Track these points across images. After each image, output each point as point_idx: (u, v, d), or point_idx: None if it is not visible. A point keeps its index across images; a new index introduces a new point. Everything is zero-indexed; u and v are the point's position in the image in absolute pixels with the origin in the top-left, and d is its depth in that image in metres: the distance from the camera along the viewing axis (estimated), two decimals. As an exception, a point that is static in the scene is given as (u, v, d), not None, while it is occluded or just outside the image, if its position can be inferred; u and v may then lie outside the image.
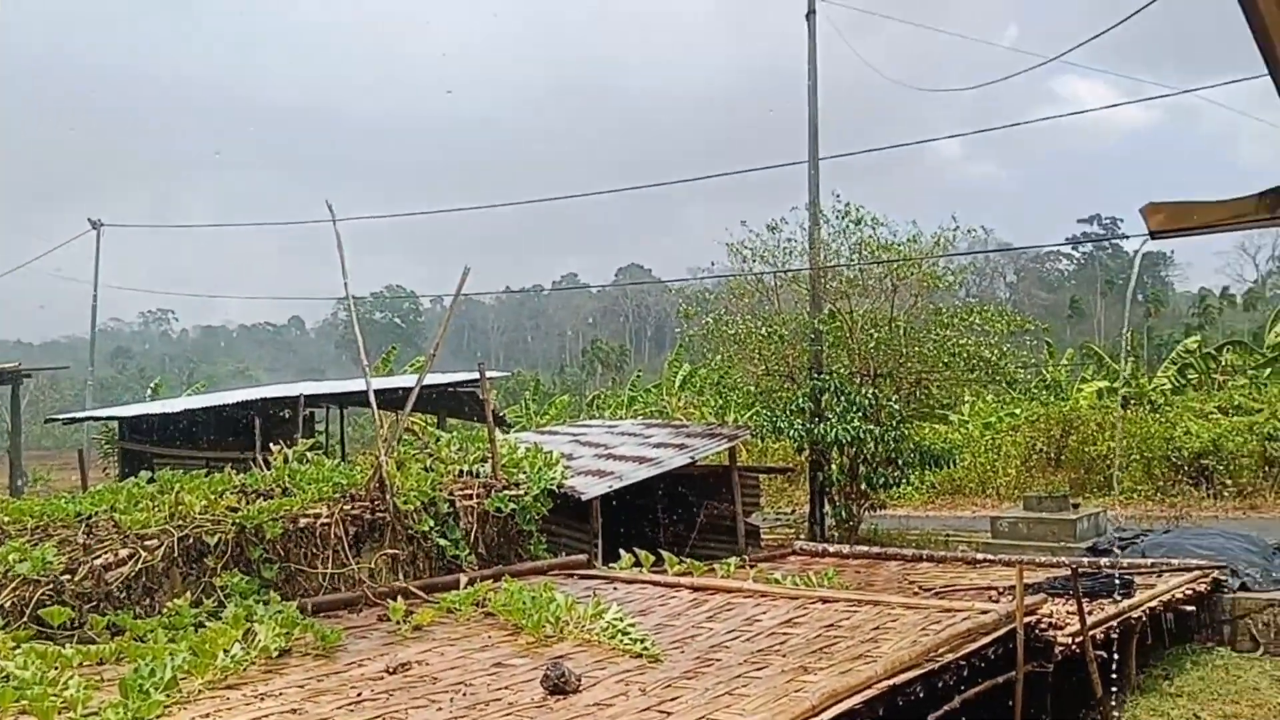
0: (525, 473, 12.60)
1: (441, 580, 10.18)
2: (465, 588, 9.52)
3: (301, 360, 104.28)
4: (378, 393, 12.84)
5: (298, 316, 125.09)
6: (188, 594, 8.47)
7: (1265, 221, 6.39)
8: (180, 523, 8.94)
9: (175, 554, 8.73)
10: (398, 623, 8.44)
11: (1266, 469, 25.46)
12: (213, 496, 9.44)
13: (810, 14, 21.22)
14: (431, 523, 10.83)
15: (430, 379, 16.04)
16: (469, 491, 11.58)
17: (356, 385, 21.60)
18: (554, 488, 12.64)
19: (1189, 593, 11.93)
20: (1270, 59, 4.78)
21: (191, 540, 8.87)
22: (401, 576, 10.38)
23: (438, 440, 14.58)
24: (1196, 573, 12.65)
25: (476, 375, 17.24)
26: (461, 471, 12.19)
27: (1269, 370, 32.04)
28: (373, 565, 10.20)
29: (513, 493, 11.97)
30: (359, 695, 6.49)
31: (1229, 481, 25.25)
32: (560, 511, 13.45)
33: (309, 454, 11.76)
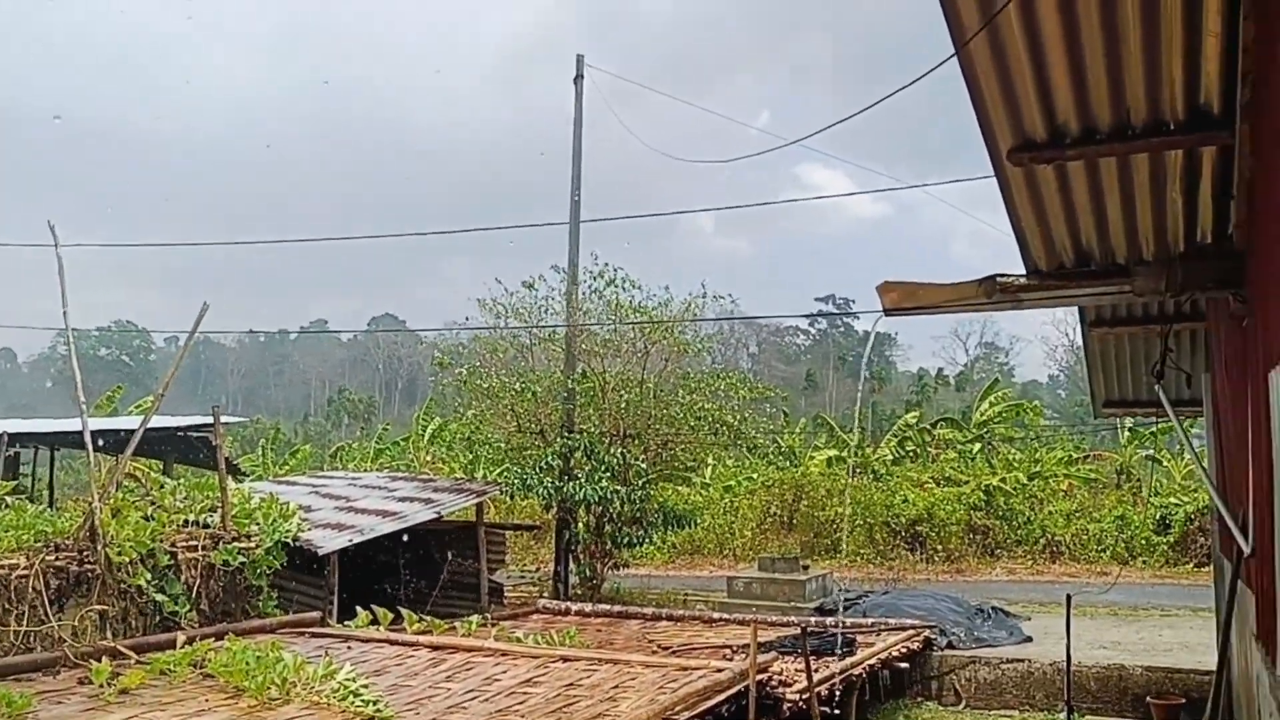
0: (258, 524, 11.92)
1: (156, 639, 9.39)
2: (182, 647, 8.82)
3: (10, 396, 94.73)
4: (99, 434, 11.84)
5: (9, 348, 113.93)
6: None
7: (982, 305, 7.01)
8: None
9: None
10: (101, 686, 7.69)
11: (971, 535, 27.73)
12: (-114, 543, 8.35)
13: (578, 79, 21.69)
14: (149, 576, 10.02)
15: (157, 421, 14.93)
16: (194, 543, 10.82)
17: (72, 425, 19.81)
18: (289, 540, 12.02)
19: (904, 650, 12.70)
20: (996, 160, 5.28)
21: None
22: (110, 635, 9.50)
23: (162, 487, 13.55)
24: (910, 631, 13.50)
25: (209, 419, 16.22)
26: (187, 521, 11.38)
27: (976, 446, 34.99)
28: (76, 623, 9.29)
29: (243, 545, 11.28)
30: (50, 767, 5.84)
31: (939, 546, 27.28)
32: (295, 566, 12.80)
33: (8, 499, 10.64)
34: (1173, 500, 26.86)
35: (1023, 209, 5.88)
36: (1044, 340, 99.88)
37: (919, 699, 13.37)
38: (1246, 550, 5.83)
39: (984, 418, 36.33)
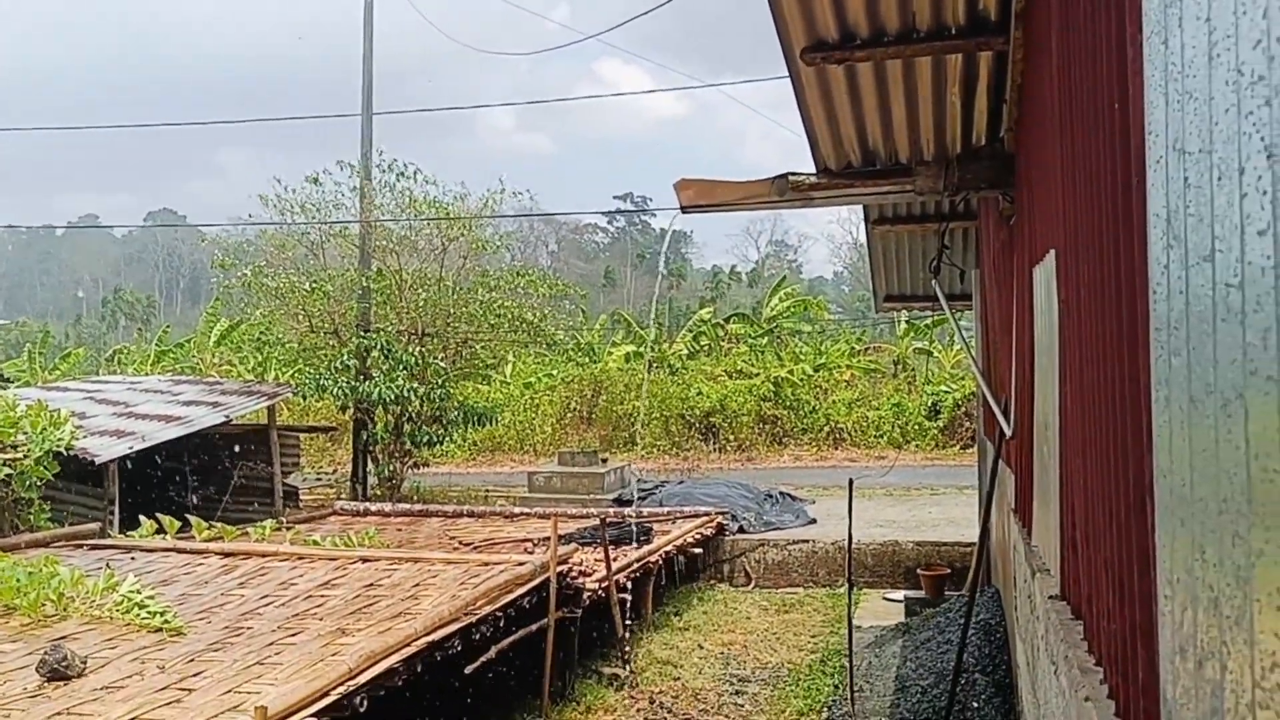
0: (25, 433, 11.12)
1: (-90, 559, 8.69)
2: (-58, 566, 8.20)
3: None
4: None
5: None
6: None
7: (774, 204, 7.19)
8: None
9: None
10: None
11: (761, 425, 29.00)
12: None
13: (367, -40, 20.55)
14: (-103, 493, 9.22)
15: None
16: (-51, 455, 10.00)
17: None
18: (61, 449, 11.28)
19: (698, 537, 13.25)
20: (789, 59, 5.35)
21: None
22: None
23: (-92, 396, 12.40)
24: (704, 519, 14.09)
25: (-38, 322, 14.90)
26: (-60, 433, 10.49)
27: (765, 339, 36.35)
28: None
29: (8, 456, 10.51)
30: None
31: (732, 437, 28.43)
32: (70, 476, 12.07)
33: None
34: (942, 388, 28.85)
35: (814, 108, 6.02)
36: (830, 238, 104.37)
37: (712, 582, 14.03)
38: (1008, 433, 6.32)
39: (773, 313, 37.71)
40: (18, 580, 7.48)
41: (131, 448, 12.98)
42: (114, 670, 5.91)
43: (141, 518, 10.93)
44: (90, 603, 7.27)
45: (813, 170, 7.01)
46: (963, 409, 27.11)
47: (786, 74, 5.64)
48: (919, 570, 12.30)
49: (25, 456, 10.82)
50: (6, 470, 10.45)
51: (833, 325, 43.23)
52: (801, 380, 30.39)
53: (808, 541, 14.08)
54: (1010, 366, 6.35)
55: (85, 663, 5.87)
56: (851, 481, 8.14)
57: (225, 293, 26.90)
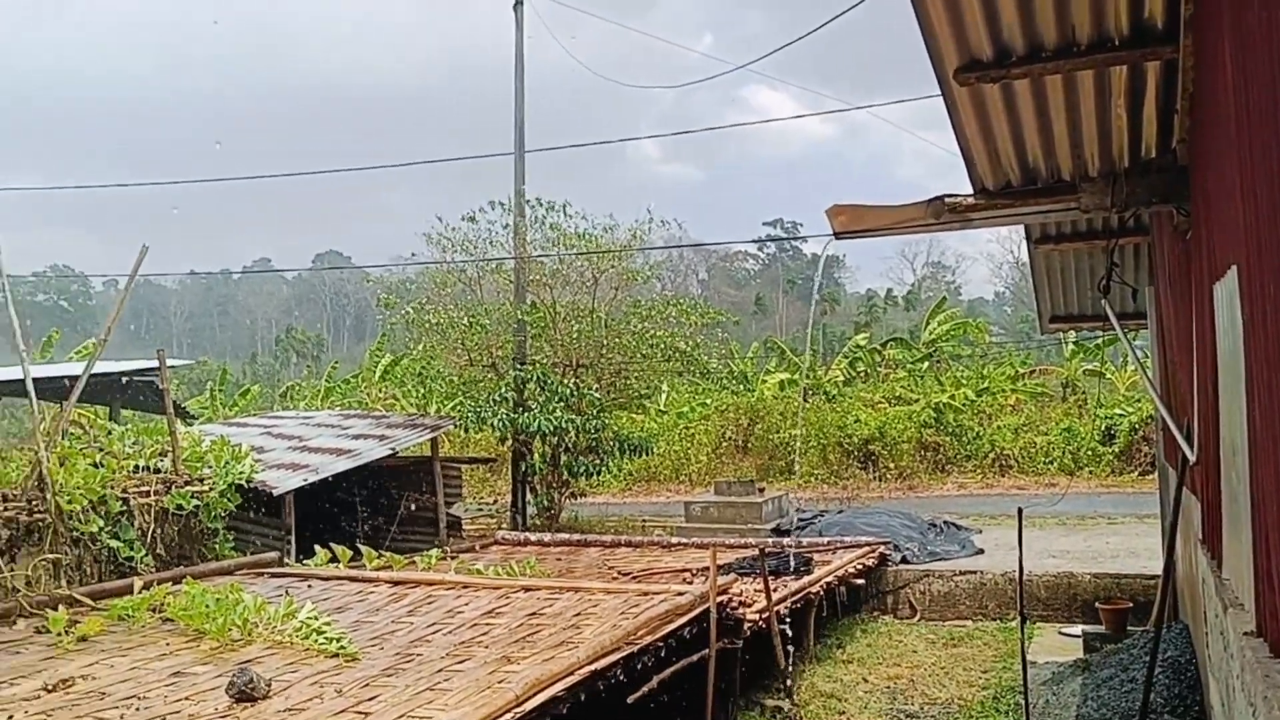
0: (210, 467, 11.79)
1: (112, 586, 9.31)
2: (139, 593, 8.76)
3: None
4: (39, 381, 11.55)
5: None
6: None
7: (930, 226, 7.03)
8: None
9: None
10: (59, 634, 7.63)
11: (922, 452, 28.24)
12: None
13: (518, 4, 21.23)
14: (101, 523, 9.90)
15: (101, 366, 14.67)
16: (146, 488, 10.68)
17: (11, 373, 19.37)
18: (243, 482, 11.92)
19: (859, 567, 12.99)
20: (942, 81, 5.25)
21: None
22: (65, 583, 9.41)
23: (109, 434, 13.34)
24: (865, 549, 13.80)
25: (155, 364, 15.95)
26: (137, 467, 11.22)
27: (925, 364, 35.48)
28: (30, 573, 9.17)
29: (196, 489, 11.17)
30: (9, 718, 5.80)
31: (892, 465, 27.76)
32: (250, 508, 12.72)
33: (-49, 450, 10.42)
34: (1117, 411, 27.50)
35: (969, 128, 5.88)
36: (989, 258, 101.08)
37: (875, 614, 13.71)
38: (1192, 459, 5.98)
39: (932, 336, 36.79)
40: (207, 606, 7.93)
41: (306, 480, 13.61)
42: (296, 693, 6.19)
43: (316, 547, 11.44)
44: (272, 628, 7.64)
45: (969, 190, 6.83)
46: (1140, 433, 25.77)
47: (938, 93, 5.53)
48: (1098, 604, 11.71)
49: (211, 489, 11.47)
50: (195, 502, 11.10)
51: (995, 348, 41.85)
52: (964, 405, 29.49)
53: (975, 572, 13.62)
54: (1192, 388, 6.01)
55: (270, 685, 6.16)
56: (1021, 510, 7.84)
57: (388, 329, 28.02)
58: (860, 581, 13.03)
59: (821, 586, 11.62)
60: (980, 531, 16.78)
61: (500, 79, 21.49)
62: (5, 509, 9.21)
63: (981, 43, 4.90)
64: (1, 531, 9.07)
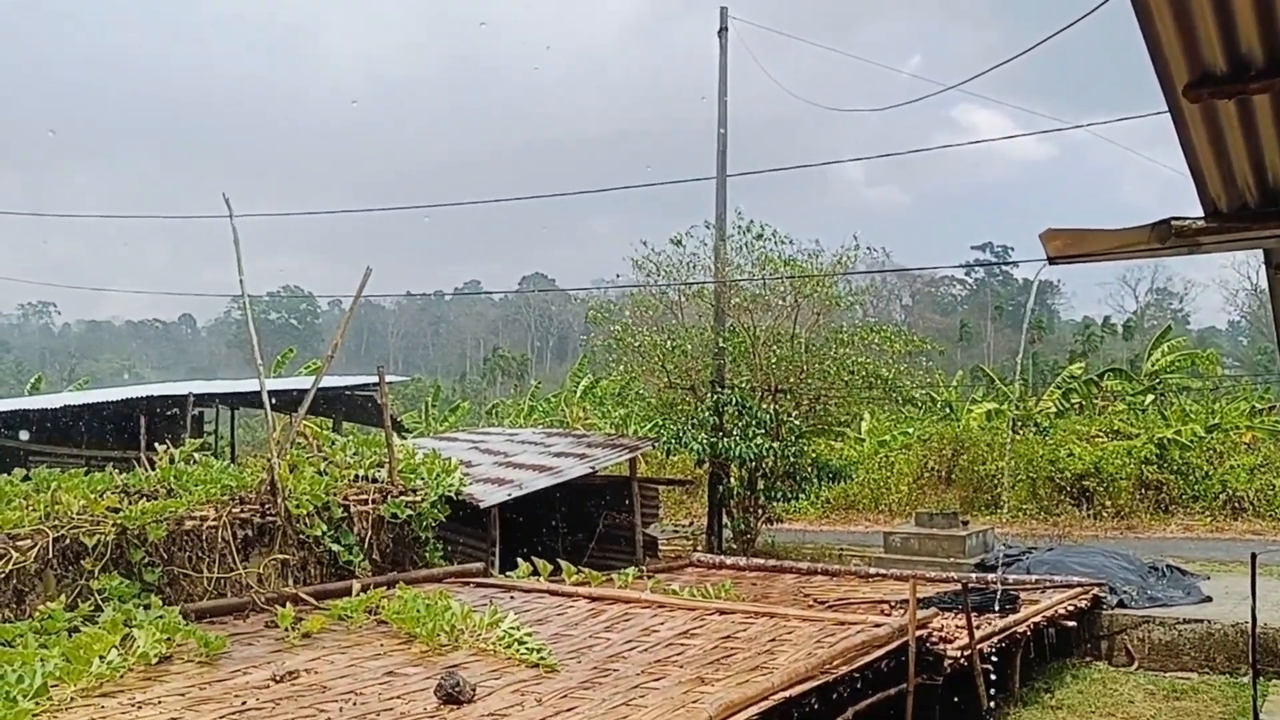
0: (423, 479, 12.38)
1: (333, 587, 9.93)
2: (358, 595, 9.30)
3: (191, 359, 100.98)
4: (272, 394, 12.48)
5: (189, 314, 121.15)
6: (62, 597, 8.08)
7: (1154, 251, 6.64)
8: (56, 522, 8.53)
9: (50, 555, 8.32)
10: (286, 630, 8.20)
11: (1143, 491, 26.50)
12: (92, 496, 9.03)
13: (723, 31, 21.44)
14: (324, 528, 10.56)
15: (327, 381, 15.70)
16: (364, 497, 11.33)
17: (249, 385, 20.99)
18: (452, 494, 12.46)
19: (1070, 609, 12.32)
20: (1170, 97, 4.97)
21: (68, 541, 8.48)
22: (291, 583, 10.10)
23: (333, 444, 14.24)
24: (1077, 589, 13.08)
25: (375, 379, 16.93)
26: (357, 476, 11.92)
27: (1147, 397, 33.40)
28: (261, 570, 9.89)
29: (409, 499, 11.76)
30: (243, 704, 6.27)
31: (1108, 502, 26.19)
32: (458, 519, 13.27)
33: (196, 455, 11.37)
34: (1367, 453, 25.07)
35: (1200, 147, 5.52)
36: (1222, 284, 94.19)
37: (1087, 659, 12.97)
38: None
39: (1156, 367, 34.63)
40: (418, 611, 8.34)
41: (511, 494, 14.11)
42: (498, 699, 6.41)
43: (518, 560, 11.82)
44: (477, 635, 7.95)
45: (1200, 213, 6.41)
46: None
47: (1165, 109, 5.23)
48: (1342, 662, 10.69)
49: (423, 500, 12.05)
50: (409, 511, 11.69)
51: (1228, 381, 38.95)
52: (1191, 442, 27.51)
53: (1201, 622, 12.67)
54: None
55: (474, 690, 6.41)
56: (1255, 556, 7.27)
57: (590, 350, 28.73)
58: (1072, 624, 12.36)
59: (1029, 627, 11.10)
60: (1208, 578, 15.60)
61: (704, 107, 21.69)
62: (241, 511, 9.97)
63: (1215, 56, 4.61)
64: (238, 532, 9.81)
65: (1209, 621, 12.62)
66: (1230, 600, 13.58)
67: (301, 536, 10.38)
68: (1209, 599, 13.89)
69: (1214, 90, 4.77)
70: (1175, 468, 26.71)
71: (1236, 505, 25.63)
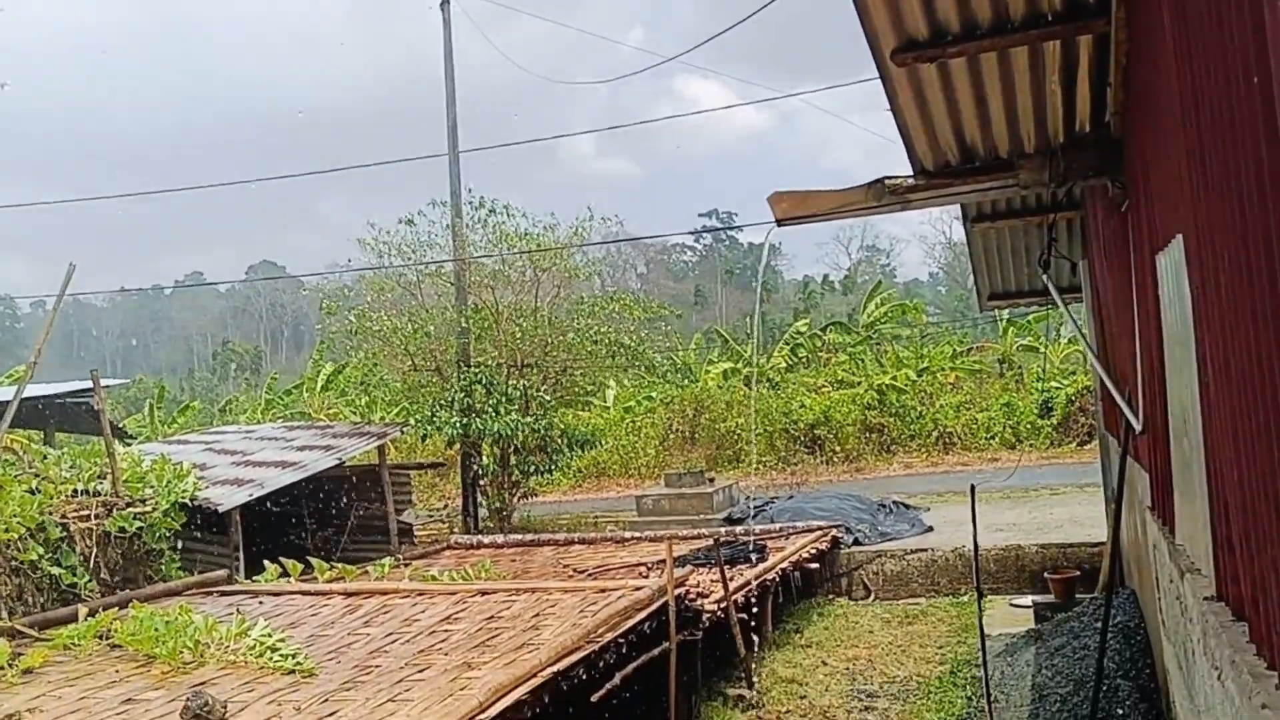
0: (152, 487, 11.51)
1: (56, 614, 9.04)
2: (85, 620, 8.51)
3: None
4: (-35, 408, 11.18)
5: None
6: None
7: (871, 209, 7.06)
8: None
9: None
10: (2, 668, 7.38)
11: (867, 435, 28.53)
12: None
13: (444, 3, 21.00)
14: (41, 550, 9.60)
15: (32, 390, 14.24)
16: (85, 512, 10.40)
17: (-64, 401, 18.74)
18: (186, 500, 11.65)
19: (812, 552, 13.06)
20: (879, 62, 5.25)
21: None
22: (6, 614, 9.12)
23: (45, 458, 12.96)
24: (818, 533, 13.88)
25: (89, 384, 15.53)
26: (76, 491, 10.92)
27: (865, 347, 35.83)
28: (-33, 606, 8.88)
29: (137, 509, 10.89)
30: (-44, 758, 5.60)
31: (838, 448, 28.01)
32: (197, 526, 12.46)
33: (-124, 483, 10.03)
34: (1053, 384, 28.02)
35: (907, 109, 5.90)
36: (922, 239, 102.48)
37: (830, 596, 13.80)
38: (1137, 428, 6.07)
39: (871, 319, 37.18)
40: (156, 629, 7.72)
41: (252, 495, 13.35)
42: (253, 714, 6.04)
43: (265, 562, 11.22)
44: (225, 648, 7.46)
45: (909, 172, 6.87)
46: (1077, 404, 26.29)
47: (873, 76, 5.53)
48: (1046, 574, 11.89)
49: (154, 509, 11.19)
50: (138, 523, 10.82)
51: (933, 328, 42.41)
52: (906, 386, 29.84)
53: (926, 550, 13.76)
54: (1134, 359, 6.10)
55: (225, 707, 6.00)
56: (974, 487, 7.93)
57: (328, 337, 27.63)
58: (815, 566, 13.11)
59: (777, 573, 11.66)
60: (928, 509, 16.98)
61: (430, 84, 21.23)
62: (-63, 541, 8.91)
63: (917, 23, 4.91)
64: (-65, 565, 8.76)
65: (932, 549, 13.73)
66: (949, 528, 14.83)
67: (14, 563, 9.39)
68: (930, 529, 15.12)
69: (917, 55, 5.09)
70: (893, 410, 28.92)
71: (947, 440, 28.07)
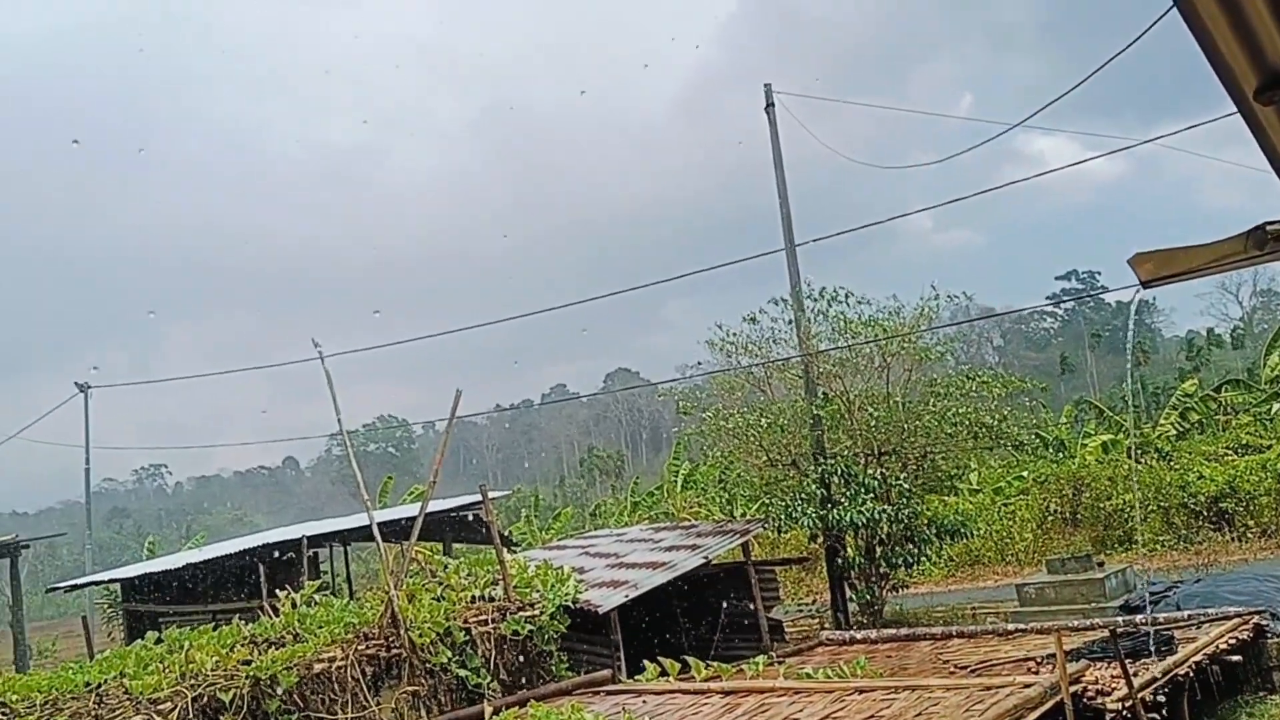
0: (538, 591, 12.35)
1: (466, 713, 9.88)
2: (491, 718, 9.21)
3: (299, 500, 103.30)
4: (381, 526, 12.63)
5: (292, 457, 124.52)
6: (204, 758, 8.16)
7: (1253, 260, 6.39)
8: (193, 682, 8.67)
9: (190, 715, 8.44)
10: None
11: (1286, 506, 25.17)
12: (223, 651, 9.18)
13: (769, 107, 21.65)
14: (449, 654, 10.55)
15: (432, 505, 15.85)
16: (483, 617, 11.33)
17: (358, 520, 21.30)
18: (569, 603, 12.38)
19: (1232, 642, 11.62)
20: (1242, 105, 4.82)
21: (205, 699, 8.60)
22: (424, 713, 10.06)
23: (445, 568, 14.32)
24: (1236, 620, 12.35)
25: (478, 497, 17.03)
26: (474, 597, 11.94)
27: (1273, 405, 31.95)
28: (394, 704, 9.88)
29: (528, 613, 11.71)
30: None
31: (1250, 522, 24.91)
32: (578, 627, 13.15)
33: (316, 596, 11.52)
34: None
35: (1283, 147, 5.33)
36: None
37: (1260, 694, 12.16)
38: None
39: (1276, 373, 33.16)
40: (551, 729, 8.21)
41: (628, 595, 13.95)
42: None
43: (645, 662, 11.62)
44: (614, 748, 7.78)
45: (1295, 213, 6.16)
46: None
47: (1233, 111, 5.05)
48: None
49: (541, 613, 11.99)
50: (529, 626, 11.62)
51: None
52: (1334, 448, 26.18)
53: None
54: None
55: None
56: None
57: (683, 439, 28.63)
58: (1236, 658, 11.63)
59: (1190, 667, 10.48)
60: (1373, 589, 14.65)
61: (764, 181, 21.81)
62: (367, 647, 10.03)
63: (1282, 55, 4.46)
64: (366, 669, 9.85)
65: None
66: (1403, 611, 12.70)
67: (428, 665, 10.38)
68: (1379, 612, 13.01)
69: (1289, 89, 4.61)
70: (1320, 477, 25.36)
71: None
